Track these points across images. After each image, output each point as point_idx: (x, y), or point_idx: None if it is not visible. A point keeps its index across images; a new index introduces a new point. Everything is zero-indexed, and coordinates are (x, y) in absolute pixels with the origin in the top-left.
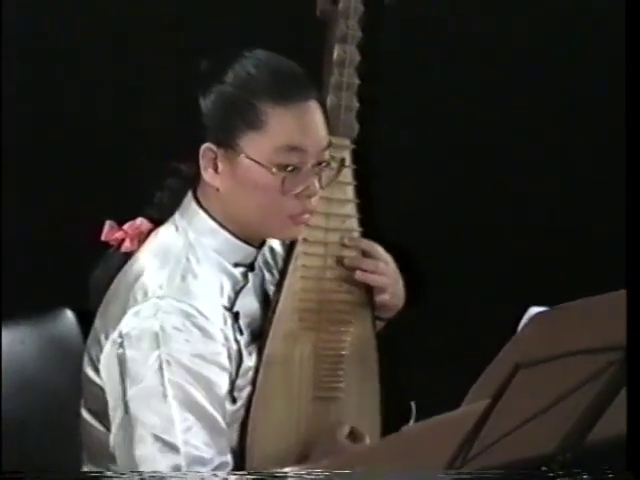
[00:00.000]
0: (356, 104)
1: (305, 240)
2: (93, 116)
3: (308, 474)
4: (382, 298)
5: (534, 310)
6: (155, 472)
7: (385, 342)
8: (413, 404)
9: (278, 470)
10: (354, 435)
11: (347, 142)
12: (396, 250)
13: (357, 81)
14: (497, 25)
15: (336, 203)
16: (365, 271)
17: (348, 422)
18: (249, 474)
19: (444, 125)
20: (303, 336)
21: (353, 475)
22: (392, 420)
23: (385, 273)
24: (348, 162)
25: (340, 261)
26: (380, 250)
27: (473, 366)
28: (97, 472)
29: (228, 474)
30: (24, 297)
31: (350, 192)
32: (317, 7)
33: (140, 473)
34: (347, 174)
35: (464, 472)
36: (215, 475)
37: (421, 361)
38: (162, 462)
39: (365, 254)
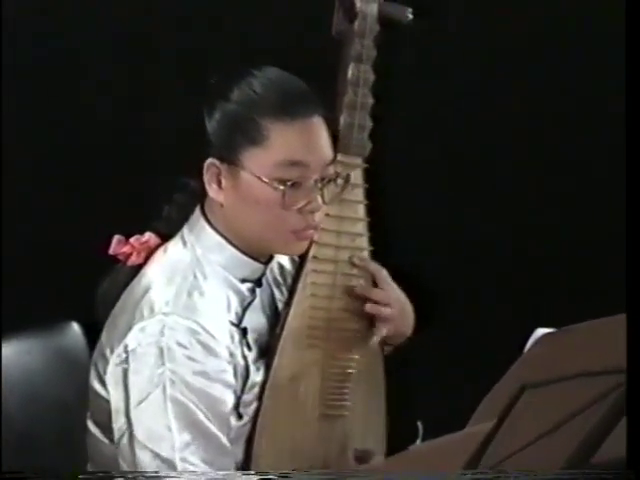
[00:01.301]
0: (369, 123)
1: (315, 258)
2: (102, 130)
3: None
4: (386, 331)
5: (541, 331)
6: (154, 472)
7: (392, 361)
8: (420, 423)
9: (286, 471)
10: (363, 455)
11: (359, 161)
12: (405, 269)
13: (371, 100)
14: (518, 47)
15: (347, 221)
16: (374, 301)
17: (354, 440)
18: (256, 474)
19: (457, 145)
20: (311, 353)
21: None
22: (398, 439)
23: (389, 303)
24: (360, 181)
25: (349, 291)
26: (387, 277)
27: (480, 386)
28: (97, 472)
29: (234, 474)
30: (31, 309)
31: (361, 211)
32: (333, 26)
33: (141, 473)
34: (358, 193)
35: (481, 472)
36: (218, 474)
37: (427, 380)
38: None
39: (373, 278)
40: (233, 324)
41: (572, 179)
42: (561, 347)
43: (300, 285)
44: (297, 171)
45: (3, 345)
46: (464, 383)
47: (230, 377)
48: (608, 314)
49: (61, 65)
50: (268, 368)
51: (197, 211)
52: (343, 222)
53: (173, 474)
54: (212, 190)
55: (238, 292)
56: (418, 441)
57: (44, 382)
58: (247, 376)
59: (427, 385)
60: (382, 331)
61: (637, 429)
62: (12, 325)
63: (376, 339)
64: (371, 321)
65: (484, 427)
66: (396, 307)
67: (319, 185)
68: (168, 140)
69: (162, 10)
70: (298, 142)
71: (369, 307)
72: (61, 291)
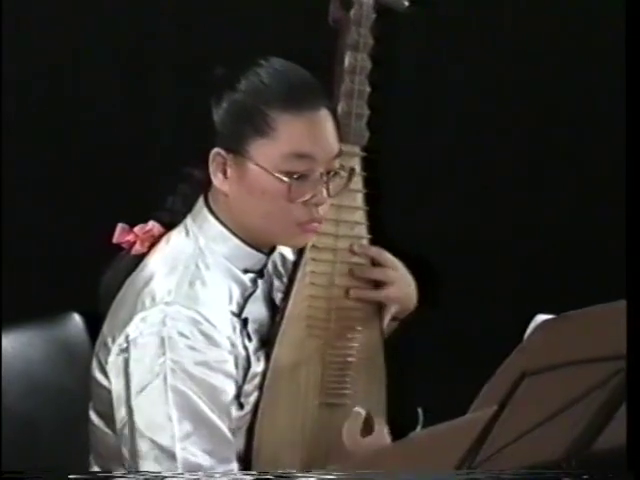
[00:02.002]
0: (367, 112)
1: (314, 247)
2: (106, 119)
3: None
4: (394, 309)
5: (541, 318)
6: (157, 473)
7: (392, 348)
8: (420, 410)
9: (286, 472)
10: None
11: (357, 149)
12: (404, 257)
13: (368, 89)
14: (514, 34)
15: (346, 210)
16: (375, 280)
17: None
18: (256, 475)
19: (455, 132)
20: (311, 342)
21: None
22: (398, 426)
23: (394, 281)
24: (358, 169)
25: (350, 272)
26: (388, 256)
27: (480, 373)
28: (98, 472)
29: (234, 475)
30: (32, 300)
31: (360, 199)
32: (329, 14)
33: (144, 474)
34: (357, 181)
35: (477, 472)
36: (221, 475)
37: (428, 367)
38: (159, 468)
39: (374, 262)
40: (234, 314)
41: (573, 166)
42: (561, 334)
43: (299, 274)
44: (304, 164)
45: (3, 336)
46: (464, 370)
47: (231, 367)
48: (608, 300)
49: (62, 54)
50: (268, 357)
51: (200, 201)
52: (342, 211)
53: (171, 474)
54: (217, 180)
55: (240, 282)
56: (418, 428)
57: (45, 373)
58: (248, 367)
59: (427, 372)
60: (390, 311)
61: (637, 429)
62: (12, 316)
63: (386, 321)
64: (373, 305)
65: (485, 414)
66: (400, 283)
67: (324, 178)
68: (173, 129)
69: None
70: (305, 134)
71: (373, 294)
72: (62, 281)
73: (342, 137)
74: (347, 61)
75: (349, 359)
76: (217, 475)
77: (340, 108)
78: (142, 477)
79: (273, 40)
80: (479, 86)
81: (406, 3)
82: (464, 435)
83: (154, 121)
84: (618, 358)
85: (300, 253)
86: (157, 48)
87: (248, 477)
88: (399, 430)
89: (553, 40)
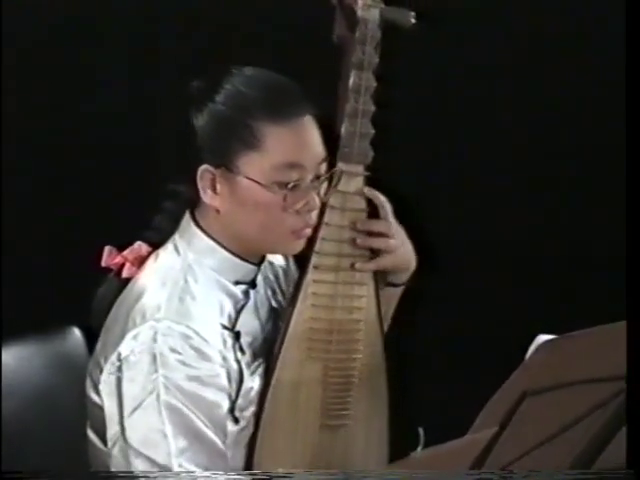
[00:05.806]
0: (371, 131)
1: (316, 268)
2: (93, 140)
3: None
4: (386, 262)
5: (542, 338)
6: (153, 471)
7: (393, 367)
8: (421, 430)
9: (283, 471)
10: None
11: (360, 169)
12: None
13: (372, 108)
14: (521, 50)
15: (348, 230)
16: (376, 233)
17: (356, 449)
18: (253, 474)
19: (460, 150)
20: (312, 363)
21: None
22: (399, 446)
23: (393, 234)
24: (362, 189)
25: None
26: (390, 211)
27: (481, 393)
28: (97, 472)
29: (231, 474)
30: (32, 314)
31: (363, 218)
32: (334, 33)
33: (143, 473)
34: (360, 201)
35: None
36: (218, 475)
37: (429, 387)
38: None
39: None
40: (226, 327)
41: (573, 185)
42: (562, 354)
43: (301, 295)
44: (294, 173)
45: (3, 350)
46: (466, 390)
47: (224, 381)
48: (609, 321)
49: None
50: (269, 378)
51: (187, 217)
52: (344, 230)
53: (169, 474)
54: (207, 196)
55: (231, 295)
56: (419, 448)
57: (45, 387)
58: (241, 380)
59: (429, 392)
60: (383, 262)
61: (637, 430)
62: (13, 330)
63: (372, 266)
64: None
65: (486, 434)
66: (398, 238)
67: (315, 184)
68: (162, 146)
69: (162, 12)
70: (293, 143)
71: (365, 241)
72: (62, 296)
73: (346, 156)
74: (352, 80)
75: (351, 380)
76: (215, 475)
77: (344, 128)
78: (141, 477)
79: (277, 57)
80: (486, 102)
81: (412, 20)
82: (465, 455)
83: (139, 140)
84: (619, 379)
85: (302, 274)
86: (141, 61)
87: (245, 477)
88: (400, 450)
89: (558, 55)
